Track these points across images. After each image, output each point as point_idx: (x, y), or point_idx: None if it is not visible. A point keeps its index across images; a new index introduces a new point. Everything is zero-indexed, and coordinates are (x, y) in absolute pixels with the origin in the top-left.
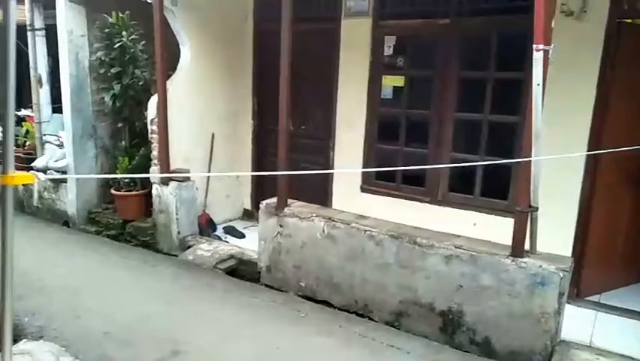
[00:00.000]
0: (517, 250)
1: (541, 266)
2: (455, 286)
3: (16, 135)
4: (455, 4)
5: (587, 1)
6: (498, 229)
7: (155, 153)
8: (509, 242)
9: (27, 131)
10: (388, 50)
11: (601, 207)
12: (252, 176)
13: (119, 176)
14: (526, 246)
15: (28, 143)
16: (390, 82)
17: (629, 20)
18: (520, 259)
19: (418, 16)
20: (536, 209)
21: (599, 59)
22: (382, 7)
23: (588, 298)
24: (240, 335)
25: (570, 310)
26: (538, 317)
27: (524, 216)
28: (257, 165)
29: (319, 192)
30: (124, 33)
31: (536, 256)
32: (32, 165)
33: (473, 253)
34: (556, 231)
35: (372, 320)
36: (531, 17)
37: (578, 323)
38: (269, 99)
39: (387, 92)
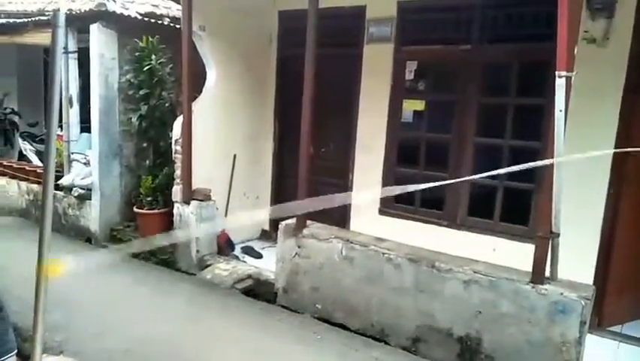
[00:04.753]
0: (537, 276)
1: (562, 294)
2: (474, 311)
3: None
4: (477, 30)
5: (610, 28)
6: (518, 254)
7: (178, 172)
8: (529, 268)
9: (55, 149)
10: (409, 75)
11: (623, 234)
12: (271, 196)
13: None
14: (547, 272)
15: (55, 160)
16: (411, 106)
17: None
18: (541, 286)
19: (439, 42)
20: (558, 235)
21: (621, 86)
22: (404, 33)
23: (610, 328)
24: (257, 356)
25: (591, 340)
26: (559, 345)
27: (545, 242)
28: (277, 186)
29: (338, 214)
30: (153, 57)
31: (557, 283)
32: (59, 182)
33: (493, 279)
34: (577, 258)
35: (388, 344)
36: (553, 45)
37: (600, 353)
38: (290, 122)
39: (407, 116)
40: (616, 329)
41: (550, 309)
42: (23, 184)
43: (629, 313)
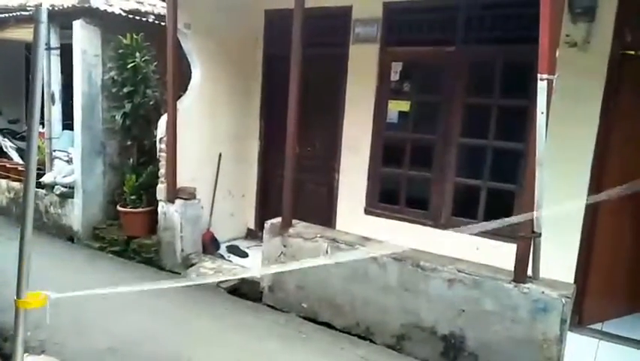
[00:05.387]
0: (519, 275)
1: (543, 292)
2: (457, 310)
3: None
4: (461, 32)
5: (590, 32)
6: (501, 253)
7: (162, 171)
8: (512, 267)
9: (37, 147)
10: (395, 76)
11: (604, 234)
12: (257, 196)
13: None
14: (529, 271)
15: (37, 158)
16: (396, 107)
17: (632, 52)
18: (523, 285)
19: (424, 44)
20: (539, 235)
21: (602, 88)
22: (390, 34)
23: (590, 326)
24: (243, 356)
25: (572, 338)
26: (540, 343)
27: (527, 241)
28: (262, 185)
29: (323, 214)
30: (137, 54)
31: (539, 281)
32: (40, 180)
33: (476, 278)
34: (558, 257)
35: (373, 342)
36: (536, 47)
37: (581, 350)
38: (276, 121)
39: (392, 116)
40: (596, 326)
41: (531, 307)
42: (3, 182)
43: (609, 311)
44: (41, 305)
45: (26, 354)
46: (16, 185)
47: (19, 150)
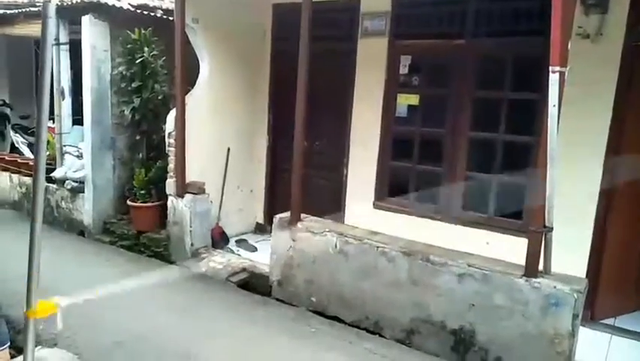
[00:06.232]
0: (531, 270)
1: (555, 287)
2: (468, 304)
3: None
4: (471, 25)
5: (603, 24)
6: (511, 248)
7: (171, 165)
8: (523, 262)
9: (47, 142)
10: (404, 69)
11: (616, 228)
12: (266, 190)
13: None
14: (540, 266)
15: (48, 153)
16: (405, 100)
17: None
18: (534, 279)
19: (433, 37)
20: (551, 229)
21: (615, 80)
22: (398, 27)
23: (603, 321)
24: (252, 350)
25: (584, 333)
26: (551, 338)
27: (539, 236)
28: (271, 179)
29: (332, 208)
30: (145, 49)
31: (550, 276)
32: (51, 175)
33: (486, 272)
34: (570, 251)
35: (382, 336)
36: (547, 39)
37: (593, 346)
38: (284, 115)
39: (401, 110)
40: (609, 321)
41: (543, 302)
42: (15, 177)
43: (621, 306)
44: (52, 311)
45: (39, 347)
46: (28, 180)
47: (30, 146)
